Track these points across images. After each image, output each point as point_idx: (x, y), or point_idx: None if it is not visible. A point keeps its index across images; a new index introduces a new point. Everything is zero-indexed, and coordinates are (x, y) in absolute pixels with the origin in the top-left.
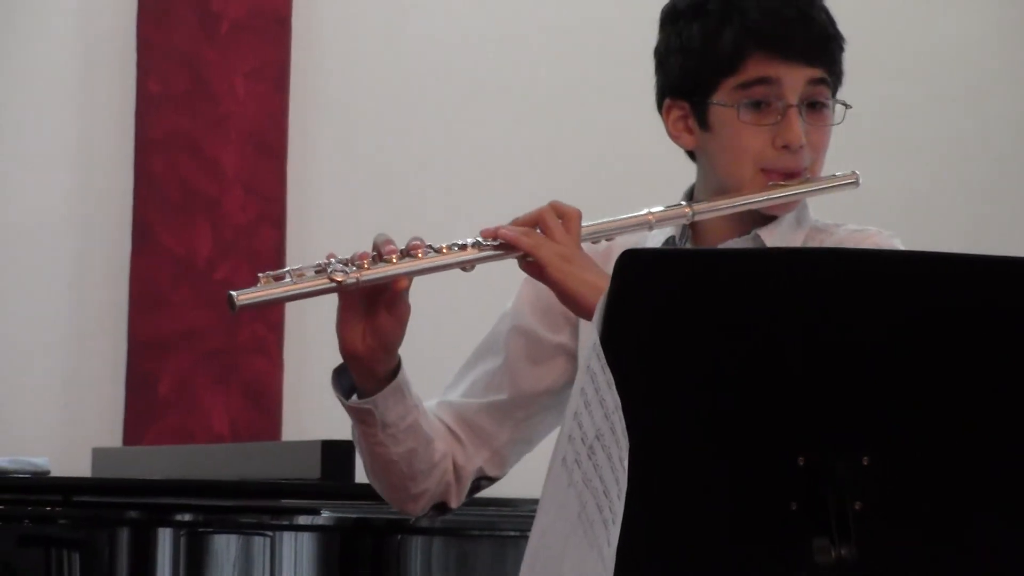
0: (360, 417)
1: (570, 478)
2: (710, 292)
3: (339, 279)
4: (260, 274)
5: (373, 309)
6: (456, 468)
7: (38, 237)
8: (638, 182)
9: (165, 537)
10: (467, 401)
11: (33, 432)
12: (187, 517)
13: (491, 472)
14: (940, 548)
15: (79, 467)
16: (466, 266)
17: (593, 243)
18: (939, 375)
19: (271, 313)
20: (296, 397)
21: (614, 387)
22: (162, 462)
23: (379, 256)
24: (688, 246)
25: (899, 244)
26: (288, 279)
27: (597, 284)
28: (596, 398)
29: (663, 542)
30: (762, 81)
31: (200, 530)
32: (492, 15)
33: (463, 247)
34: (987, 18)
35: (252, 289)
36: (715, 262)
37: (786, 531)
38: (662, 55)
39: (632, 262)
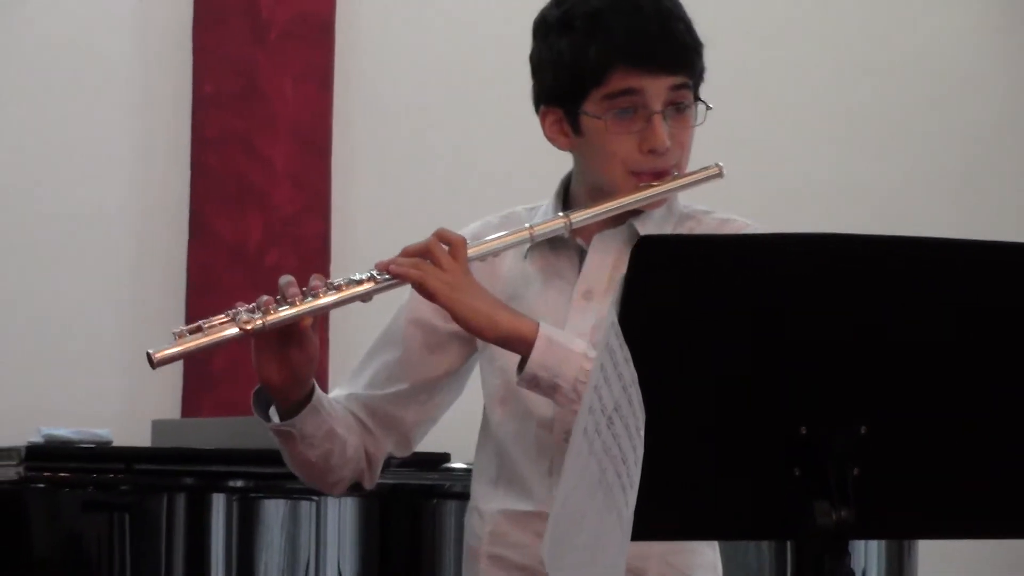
0: (281, 435)
1: (590, 447)
2: (721, 274)
3: (247, 327)
4: (174, 330)
5: (284, 346)
6: (367, 456)
7: (103, 226)
8: None
9: (219, 502)
10: (372, 393)
11: (97, 406)
12: (239, 484)
13: (398, 453)
14: (932, 510)
15: (140, 438)
16: (365, 298)
17: (481, 262)
18: (929, 351)
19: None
20: (339, 373)
21: (631, 363)
22: (216, 433)
23: (283, 299)
24: (566, 235)
25: (763, 231)
26: (201, 332)
27: (481, 309)
28: (614, 373)
29: (675, 505)
30: (627, 92)
31: (251, 496)
32: (525, 16)
33: (359, 282)
34: (967, 13)
35: (168, 346)
36: (727, 247)
37: (790, 495)
38: (535, 64)
39: (649, 247)
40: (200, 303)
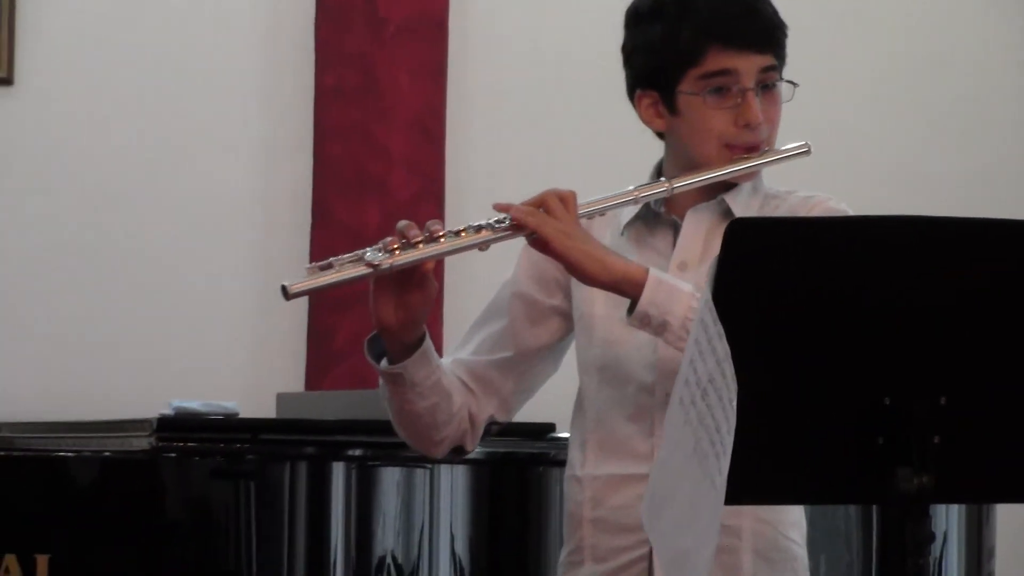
0: (392, 380)
1: (686, 417)
2: (807, 255)
3: (375, 264)
4: (307, 266)
5: (403, 288)
6: (471, 416)
7: (232, 212)
8: None
9: (339, 471)
10: (477, 358)
11: (225, 380)
12: (358, 452)
13: (499, 417)
14: (1008, 475)
15: (265, 410)
16: (482, 246)
17: (588, 219)
18: (1003, 327)
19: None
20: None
21: (724, 338)
22: (337, 405)
23: (407, 241)
24: (662, 210)
25: (847, 208)
26: (332, 268)
27: (594, 254)
28: (708, 347)
29: (767, 472)
30: (722, 72)
31: (369, 464)
32: (620, 9)
33: (478, 229)
34: None
35: (301, 279)
36: (812, 228)
37: (874, 462)
38: (629, 52)
39: (742, 229)
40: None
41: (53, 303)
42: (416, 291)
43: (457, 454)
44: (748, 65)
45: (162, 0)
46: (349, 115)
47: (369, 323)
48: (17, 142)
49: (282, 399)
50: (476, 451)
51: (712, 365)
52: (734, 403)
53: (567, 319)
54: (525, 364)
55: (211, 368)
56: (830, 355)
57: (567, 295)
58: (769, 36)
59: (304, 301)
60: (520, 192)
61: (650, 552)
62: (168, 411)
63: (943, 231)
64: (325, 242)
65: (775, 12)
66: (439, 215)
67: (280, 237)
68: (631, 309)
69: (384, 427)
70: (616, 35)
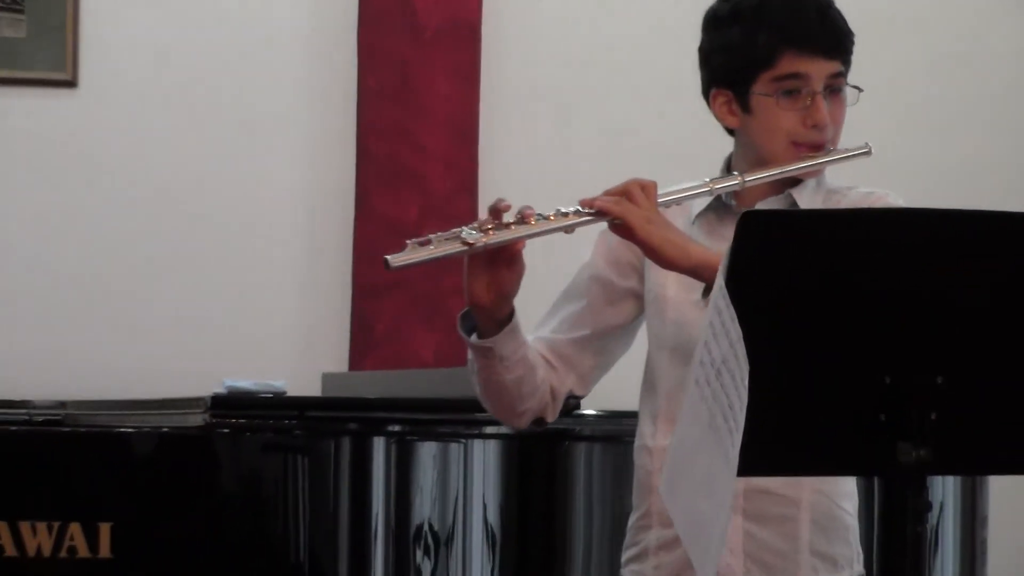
0: (482, 353)
1: (701, 395)
2: (813, 245)
3: (471, 242)
4: (408, 241)
5: (495, 266)
6: (552, 390)
7: (282, 204)
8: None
9: (379, 445)
10: (557, 336)
11: (275, 361)
12: (397, 428)
13: (578, 391)
14: (999, 449)
15: (311, 388)
16: (568, 229)
17: (666, 207)
18: (996, 313)
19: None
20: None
21: (737, 322)
22: (378, 384)
23: (500, 222)
24: (733, 203)
25: (901, 202)
26: (431, 244)
27: (674, 240)
28: (722, 330)
29: (777, 445)
30: (793, 76)
31: (408, 439)
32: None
33: (565, 214)
34: None
35: (402, 253)
36: (817, 220)
37: (876, 436)
38: (706, 53)
39: (754, 221)
40: (365, 272)
41: (115, 291)
42: (506, 269)
43: (538, 425)
44: (818, 70)
45: (216, 9)
46: (389, 115)
47: (406, 310)
48: (81, 139)
49: (327, 378)
50: (505, 426)
51: (726, 347)
52: (746, 382)
53: (640, 300)
54: (602, 342)
55: (261, 349)
56: (835, 338)
57: (641, 278)
58: (838, 43)
59: (347, 288)
60: (548, 185)
61: None
62: (221, 390)
63: (940, 223)
64: (367, 233)
65: (844, 21)
66: (473, 208)
67: (325, 228)
68: (706, 291)
69: (421, 404)
70: (637, 37)
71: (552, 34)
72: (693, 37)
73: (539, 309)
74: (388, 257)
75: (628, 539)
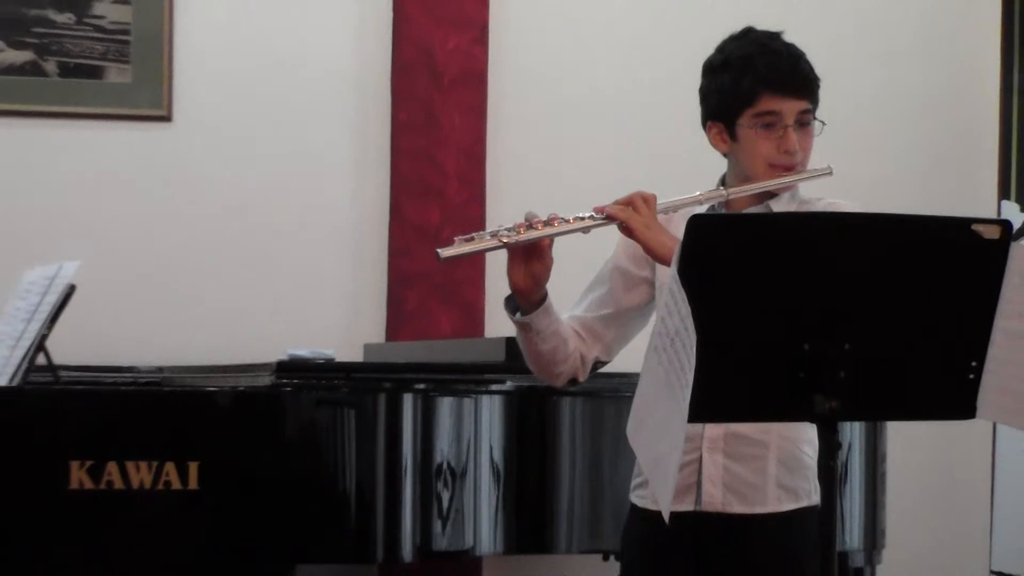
0: (522, 328)
1: (659, 359)
2: (747, 242)
3: (505, 240)
4: (456, 237)
5: (529, 259)
6: (582, 357)
7: (331, 213)
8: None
9: (408, 400)
10: (586, 315)
11: (326, 333)
12: (422, 386)
13: (603, 358)
14: (893, 400)
15: (355, 356)
16: (585, 230)
17: (664, 214)
18: (888, 298)
19: (477, 260)
20: (493, 311)
21: (687, 302)
22: (408, 352)
23: (530, 225)
24: (724, 211)
25: (857, 207)
26: (474, 240)
27: (665, 241)
28: (675, 309)
29: (720, 398)
30: (770, 112)
31: (430, 394)
32: (624, 69)
33: (582, 219)
34: None
35: (451, 247)
36: (745, 223)
37: (798, 391)
38: (704, 93)
39: (699, 223)
40: (397, 265)
41: (202, 281)
42: (538, 261)
43: (572, 384)
44: (789, 108)
45: (278, 57)
46: (416, 142)
47: (430, 294)
48: (175, 162)
49: (368, 348)
50: (507, 384)
51: (678, 322)
52: (694, 349)
53: (652, 287)
54: (622, 319)
55: (316, 325)
56: (765, 315)
57: (653, 269)
58: (806, 87)
59: (384, 276)
60: (540, 197)
61: (700, 457)
62: (285, 357)
63: (855, 224)
64: (398, 234)
65: (811, 69)
66: (482, 215)
67: (367, 231)
68: None
69: (441, 368)
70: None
71: (545, 78)
72: (671, 84)
73: (567, 292)
74: (439, 250)
75: (635, 471)
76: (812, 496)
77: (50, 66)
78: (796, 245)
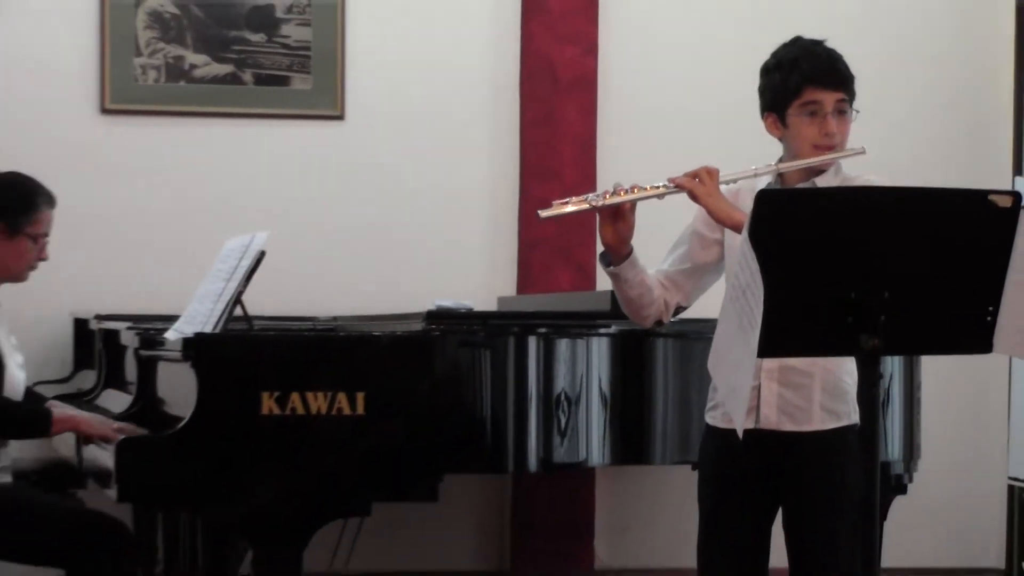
0: (613, 277)
1: (733, 307)
2: (807, 211)
3: (593, 204)
4: (554, 201)
5: (615, 220)
6: (665, 303)
7: (474, 192)
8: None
9: (532, 341)
10: (669, 269)
11: (467, 288)
12: (544, 330)
13: (683, 304)
14: (925, 338)
15: (490, 306)
16: (660, 197)
17: (725, 185)
18: (921, 253)
19: (589, 228)
20: (601, 270)
21: (756, 260)
22: (533, 302)
23: (615, 192)
24: (777, 186)
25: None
26: (568, 204)
27: (725, 209)
28: (747, 266)
29: (783, 337)
30: (813, 103)
31: (550, 337)
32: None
33: (657, 187)
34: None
35: (549, 209)
36: (804, 197)
37: (847, 331)
38: (761, 90)
39: (766, 196)
40: (526, 232)
41: (369, 246)
42: (622, 222)
43: (658, 324)
44: (828, 99)
45: (433, 66)
46: (540, 135)
47: (552, 256)
48: (347, 156)
49: (501, 299)
50: (612, 328)
51: (748, 277)
52: (762, 299)
53: (723, 247)
54: (698, 273)
55: (460, 281)
56: (819, 270)
57: (723, 232)
58: (843, 82)
59: (515, 242)
60: (640, 180)
61: (759, 385)
62: (434, 307)
63: (890, 195)
64: (526, 209)
65: (847, 67)
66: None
67: (500, 207)
68: None
69: (559, 315)
70: (699, 81)
71: (643, 82)
72: (749, 86)
73: (652, 248)
74: (540, 211)
75: (709, 396)
76: (852, 416)
77: (246, 77)
78: (844, 214)
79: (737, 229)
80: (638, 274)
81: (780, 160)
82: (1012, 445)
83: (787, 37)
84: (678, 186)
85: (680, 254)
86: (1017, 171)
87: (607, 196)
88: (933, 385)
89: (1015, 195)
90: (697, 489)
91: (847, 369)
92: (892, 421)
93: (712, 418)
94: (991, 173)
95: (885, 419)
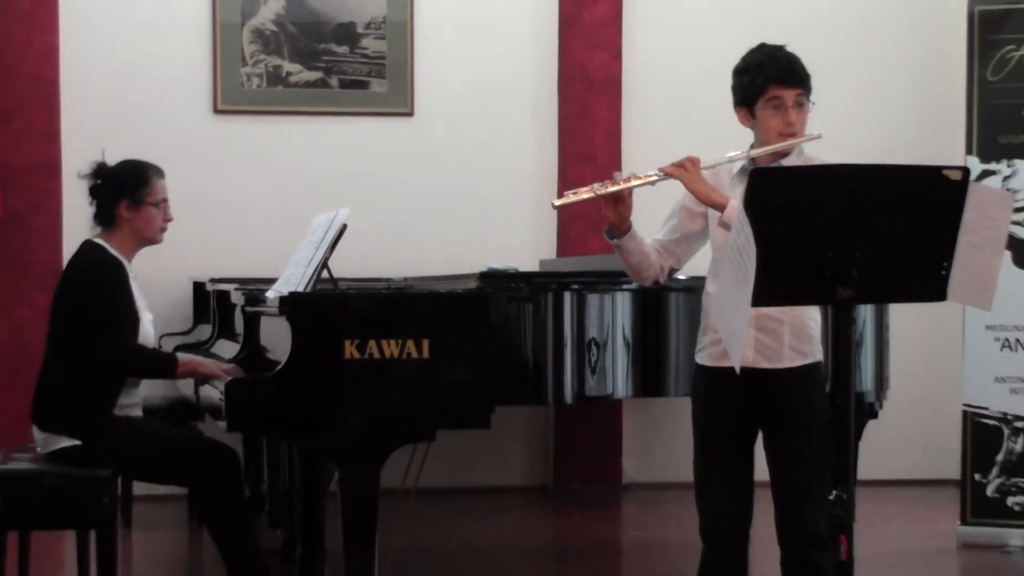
0: (618, 248)
1: (731, 265)
2: (791, 185)
3: (598, 192)
4: (564, 192)
5: (616, 203)
6: (661, 267)
7: (522, 176)
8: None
9: (568, 296)
10: (663, 238)
11: (514, 253)
12: (577, 287)
13: (675, 267)
14: (889, 287)
15: (533, 267)
16: (652, 184)
17: (709, 170)
18: (886, 218)
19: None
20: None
21: (749, 226)
22: (569, 264)
23: (615, 181)
24: (751, 167)
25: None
26: (578, 193)
27: (705, 191)
28: (741, 230)
29: (772, 290)
30: (776, 98)
31: (583, 292)
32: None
33: (650, 176)
34: None
35: (561, 199)
36: (792, 174)
37: (825, 284)
38: (734, 88)
39: (759, 173)
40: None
41: (434, 223)
42: (622, 204)
43: (656, 284)
44: (789, 94)
45: (485, 71)
46: (575, 126)
47: (586, 227)
48: (416, 146)
49: (542, 262)
50: (634, 285)
51: (743, 240)
52: (754, 257)
53: (706, 219)
54: (687, 241)
55: (508, 247)
56: (805, 235)
57: (707, 207)
58: (800, 80)
59: (555, 217)
60: (659, 164)
61: None
62: (485, 269)
63: (862, 172)
64: (564, 188)
65: (804, 68)
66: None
67: (543, 186)
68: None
69: (590, 274)
70: (708, 81)
71: (662, 83)
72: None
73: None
74: (553, 201)
75: (698, 339)
76: (816, 355)
77: (333, 81)
78: (824, 187)
79: (716, 208)
80: (637, 244)
81: (752, 147)
82: (965, 377)
83: (778, 37)
84: (667, 174)
85: (671, 226)
86: (969, 151)
87: (609, 185)
88: (900, 328)
89: (964, 170)
90: (691, 416)
91: (811, 316)
92: (865, 358)
93: (700, 358)
94: (946, 154)
95: (859, 356)
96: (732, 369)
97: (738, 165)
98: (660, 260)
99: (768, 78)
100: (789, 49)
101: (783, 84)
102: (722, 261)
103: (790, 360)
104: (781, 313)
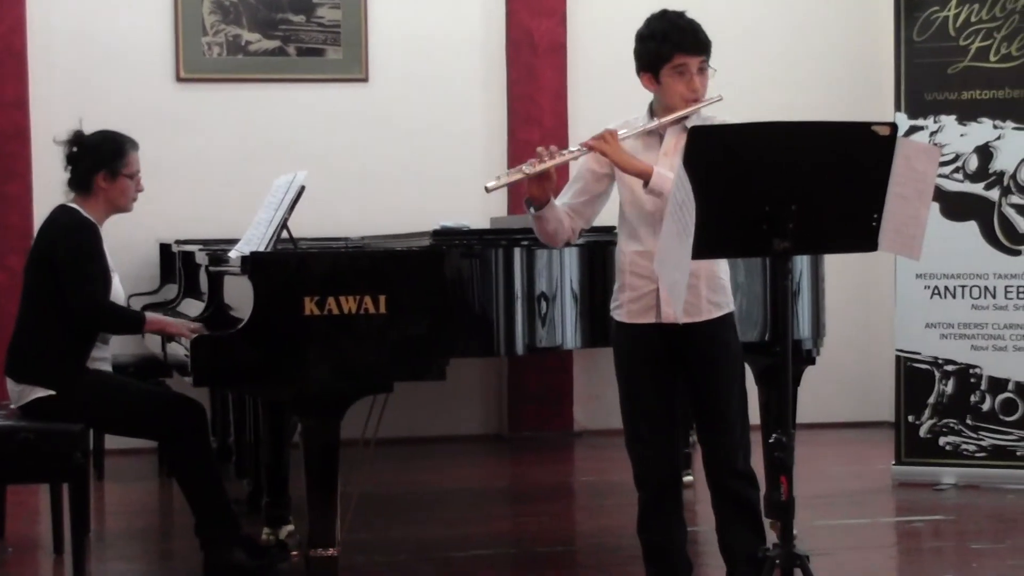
0: (536, 219)
1: (673, 219)
2: (727, 141)
3: (526, 172)
4: (496, 175)
5: (542, 180)
6: (572, 229)
7: (471, 136)
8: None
9: (517, 252)
10: (571, 201)
11: (465, 211)
12: (526, 243)
13: (585, 227)
14: (823, 239)
15: (484, 224)
16: (576, 158)
17: (624, 139)
18: (820, 173)
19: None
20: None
21: (689, 182)
22: (518, 222)
23: (541, 159)
24: (659, 131)
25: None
26: (508, 174)
27: (627, 160)
28: (682, 186)
29: (711, 243)
30: (681, 65)
31: (532, 248)
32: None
33: (573, 151)
34: None
35: (493, 181)
36: (727, 131)
37: (761, 236)
38: (638, 54)
39: (697, 132)
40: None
41: (388, 183)
42: (547, 181)
43: (567, 244)
44: (693, 62)
45: (433, 40)
46: (523, 90)
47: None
48: (370, 110)
49: (493, 220)
50: (580, 240)
51: (684, 195)
52: (694, 212)
53: (609, 179)
54: (593, 202)
55: (459, 205)
56: (742, 188)
57: (611, 168)
58: (704, 47)
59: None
60: (602, 125)
61: (656, 288)
62: (438, 227)
63: (796, 128)
64: (514, 150)
65: (706, 35)
66: (565, 136)
67: (492, 147)
68: (645, 185)
69: None
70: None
71: (605, 47)
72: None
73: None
74: (486, 184)
75: (613, 295)
76: (729, 305)
77: (290, 50)
78: (759, 143)
79: (640, 176)
80: (556, 212)
81: (650, 107)
82: (897, 324)
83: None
84: (589, 148)
85: (578, 188)
86: (897, 108)
87: (536, 164)
88: (836, 278)
89: (892, 126)
90: (615, 371)
91: (722, 268)
92: (802, 307)
93: (618, 315)
94: (877, 110)
95: (796, 306)
96: (651, 325)
97: (644, 130)
98: (571, 223)
99: (674, 46)
100: (689, 15)
101: (687, 52)
102: (639, 219)
103: (708, 313)
104: (696, 267)
